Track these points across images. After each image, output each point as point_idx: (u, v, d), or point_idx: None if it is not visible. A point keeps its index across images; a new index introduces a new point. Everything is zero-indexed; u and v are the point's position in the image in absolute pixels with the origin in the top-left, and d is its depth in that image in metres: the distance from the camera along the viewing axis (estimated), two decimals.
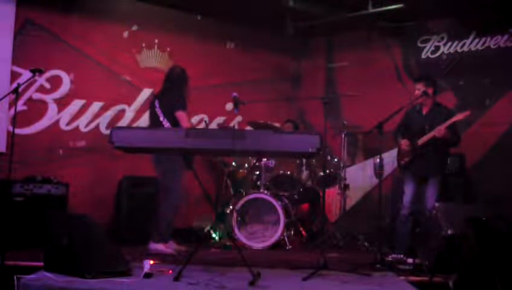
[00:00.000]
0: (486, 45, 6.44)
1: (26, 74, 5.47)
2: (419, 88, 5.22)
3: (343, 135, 6.47)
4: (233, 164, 6.33)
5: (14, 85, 4.77)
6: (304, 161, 6.23)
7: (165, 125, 5.13)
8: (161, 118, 5.21)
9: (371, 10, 6.37)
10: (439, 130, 4.96)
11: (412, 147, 5.18)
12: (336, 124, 6.82)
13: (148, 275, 3.86)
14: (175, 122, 5.12)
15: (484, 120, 6.36)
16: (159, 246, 5.10)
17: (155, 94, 5.44)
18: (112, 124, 6.22)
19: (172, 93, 5.26)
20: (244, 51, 7.37)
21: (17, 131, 4.93)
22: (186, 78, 5.39)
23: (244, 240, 5.71)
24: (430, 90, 5.21)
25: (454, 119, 4.96)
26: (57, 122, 6.05)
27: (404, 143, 5.27)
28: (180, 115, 5.12)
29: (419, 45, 6.97)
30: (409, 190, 5.26)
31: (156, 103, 5.29)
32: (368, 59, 7.21)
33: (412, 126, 5.30)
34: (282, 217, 5.65)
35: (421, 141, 5.13)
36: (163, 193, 5.28)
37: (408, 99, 5.56)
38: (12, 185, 5.13)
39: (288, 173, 6.16)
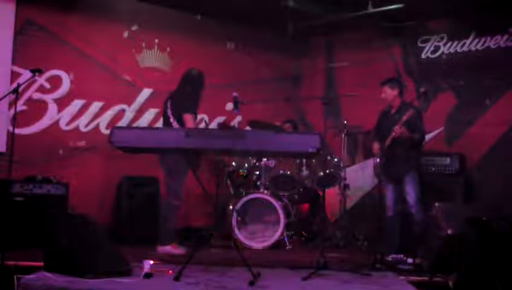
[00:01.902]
0: (486, 45, 6.44)
1: (26, 74, 5.46)
2: (385, 91, 5.32)
3: (343, 135, 6.47)
4: (233, 164, 6.33)
5: (14, 85, 4.77)
6: (304, 161, 6.22)
7: (174, 126, 5.14)
8: (171, 119, 5.23)
9: (371, 10, 6.36)
10: (395, 130, 5.02)
11: (382, 149, 5.24)
12: (336, 124, 6.82)
13: (148, 275, 3.86)
14: (183, 124, 5.13)
15: (484, 120, 6.37)
16: (167, 248, 5.10)
17: (169, 94, 5.45)
18: (111, 124, 6.21)
19: (183, 95, 5.27)
20: (244, 51, 7.37)
21: (17, 131, 4.93)
22: (202, 81, 5.38)
23: (244, 240, 5.71)
24: (395, 92, 5.29)
25: (404, 118, 4.99)
26: (57, 122, 6.05)
27: (376, 147, 5.35)
28: (186, 117, 5.13)
29: (419, 45, 6.97)
30: (389, 192, 5.32)
31: (168, 103, 5.31)
32: (368, 59, 7.21)
33: (382, 128, 5.35)
34: (282, 217, 5.65)
35: (386, 142, 5.17)
36: (166, 193, 5.30)
37: (408, 99, 5.58)
38: (12, 185, 5.12)
39: (288, 173, 6.15)
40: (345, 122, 6.57)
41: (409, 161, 5.18)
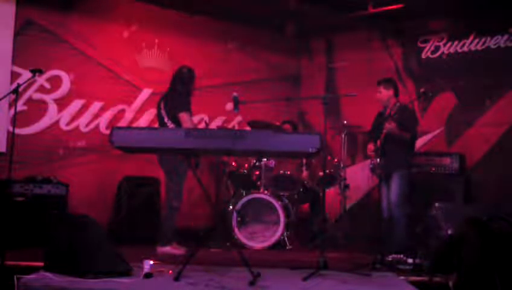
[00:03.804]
0: (486, 45, 6.43)
1: (26, 74, 5.47)
2: (380, 91, 5.37)
3: (343, 135, 6.47)
4: (233, 164, 6.33)
5: (14, 85, 4.77)
6: (304, 161, 6.22)
7: (169, 127, 5.12)
8: (165, 120, 5.20)
9: (371, 10, 6.37)
10: (385, 126, 5.08)
11: (375, 148, 5.26)
12: (336, 124, 6.82)
13: (148, 275, 3.85)
14: (178, 124, 5.11)
15: (484, 120, 6.37)
16: (167, 249, 5.09)
17: (162, 95, 5.43)
18: (112, 124, 6.22)
19: (176, 94, 5.24)
20: (244, 51, 7.37)
21: (17, 131, 4.94)
22: (193, 78, 5.34)
23: (244, 240, 5.71)
24: (390, 92, 5.33)
25: (392, 112, 5.11)
26: (57, 122, 6.06)
27: (369, 149, 5.38)
28: (183, 116, 5.10)
29: (419, 45, 6.97)
30: (383, 193, 5.35)
31: (162, 104, 5.28)
32: (367, 59, 7.21)
33: (377, 129, 5.37)
34: (282, 217, 5.65)
35: (379, 140, 5.18)
36: (166, 193, 5.30)
37: (408, 99, 5.58)
38: (12, 185, 5.13)
39: (288, 173, 6.16)
40: (345, 122, 6.57)
41: (397, 159, 5.19)
